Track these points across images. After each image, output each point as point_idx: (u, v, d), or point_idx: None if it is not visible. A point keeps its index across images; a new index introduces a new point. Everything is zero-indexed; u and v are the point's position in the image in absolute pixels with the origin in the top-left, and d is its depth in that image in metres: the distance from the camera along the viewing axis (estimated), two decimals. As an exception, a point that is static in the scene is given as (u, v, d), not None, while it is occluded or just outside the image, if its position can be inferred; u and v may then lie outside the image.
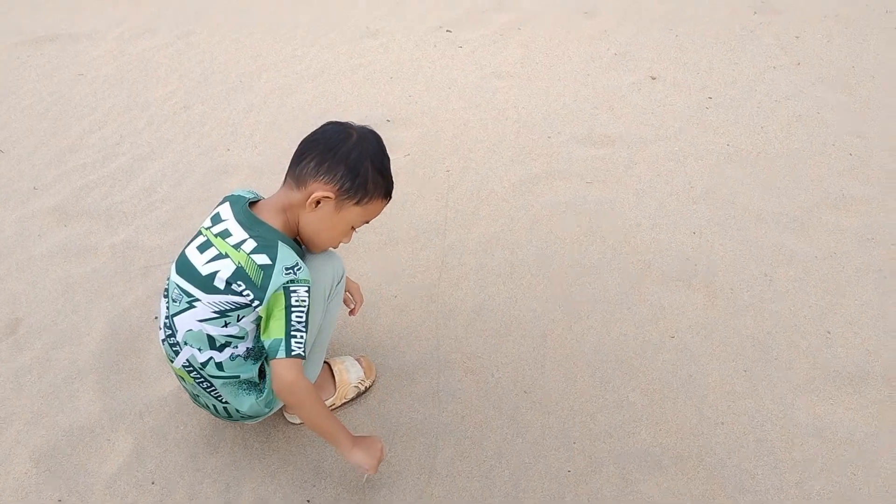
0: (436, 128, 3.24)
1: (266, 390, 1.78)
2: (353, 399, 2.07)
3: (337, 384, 2.03)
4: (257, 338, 1.72)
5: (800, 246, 2.60)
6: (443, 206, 2.79)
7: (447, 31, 4.03)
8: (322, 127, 1.76)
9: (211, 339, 1.67)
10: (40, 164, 2.98)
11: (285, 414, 2.00)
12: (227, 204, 1.74)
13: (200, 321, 1.66)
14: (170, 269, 1.75)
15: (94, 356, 2.18)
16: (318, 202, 1.66)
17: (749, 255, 2.56)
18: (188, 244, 1.73)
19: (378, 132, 1.78)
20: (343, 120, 1.79)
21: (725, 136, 3.18)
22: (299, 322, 1.62)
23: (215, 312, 1.65)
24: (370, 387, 2.11)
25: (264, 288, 1.60)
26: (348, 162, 1.66)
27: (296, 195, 1.69)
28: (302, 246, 1.79)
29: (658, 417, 2.04)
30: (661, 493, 1.86)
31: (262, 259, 1.61)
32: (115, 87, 3.51)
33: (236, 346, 1.70)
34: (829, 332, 2.29)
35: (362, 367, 2.09)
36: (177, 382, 2.09)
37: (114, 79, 3.58)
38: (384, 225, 2.66)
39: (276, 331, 1.61)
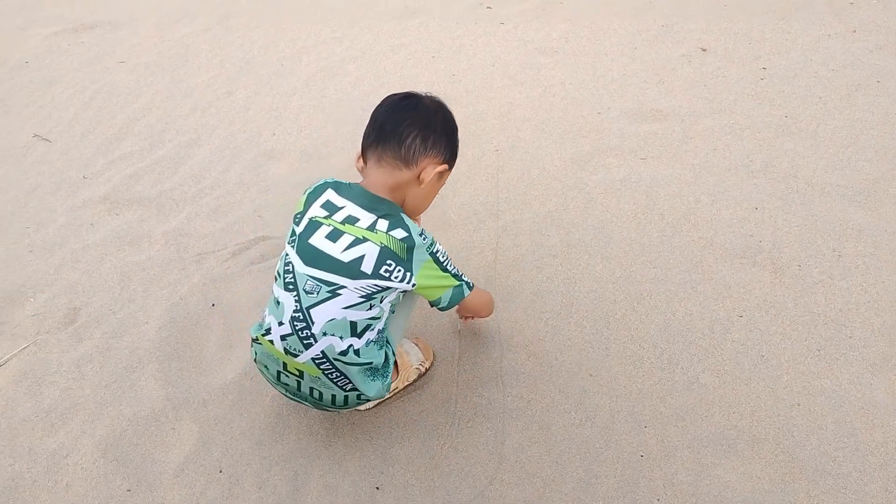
0: (481, 107, 3.18)
1: (388, 375, 1.80)
2: (414, 381, 2.04)
3: (399, 367, 2.00)
4: (387, 320, 1.77)
5: (867, 220, 2.51)
6: (493, 187, 2.74)
7: (487, 7, 3.95)
8: (401, 102, 1.76)
9: (353, 325, 1.66)
10: (88, 152, 2.98)
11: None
12: (330, 191, 1.73)
13: (345, 308, 1.64)
14: (289, 264, 1.69)
15: (153, 344, 2.17)
16: (424, 179, 1.73)
17: (815, 230, 2.47)
18: (310, 235, 1.68)
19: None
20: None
21: (782, 107, 3.08)
22: (454, 268, 1.76)
23: (362, 297, 1.64)
24: (429, 368, 2.08)
25: (411, 260, 1.64)
26: (447, 134, 1.76)
27: (405, 174, 1.71)
28: None
29: (731, 399, 1.98)
30: (739, 478, 1.80)
31: (400, 233, 1.64)
32: (157, 73, 3.50)
33: (372, 329, 1.71)
34: (904, 309, 2.20)
35: (420, 349, 2.07)
36: (238, 371, 2.08)
37: (155, 65, 3.56)
38: (436, 207, 2.62)
39: (448, 282, 1.74)
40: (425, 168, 1.71)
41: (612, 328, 2.19)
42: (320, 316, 1.64)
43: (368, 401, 1.83)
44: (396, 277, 1.64)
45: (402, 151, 1.69)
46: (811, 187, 2.65)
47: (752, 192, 2.64)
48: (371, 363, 1.72)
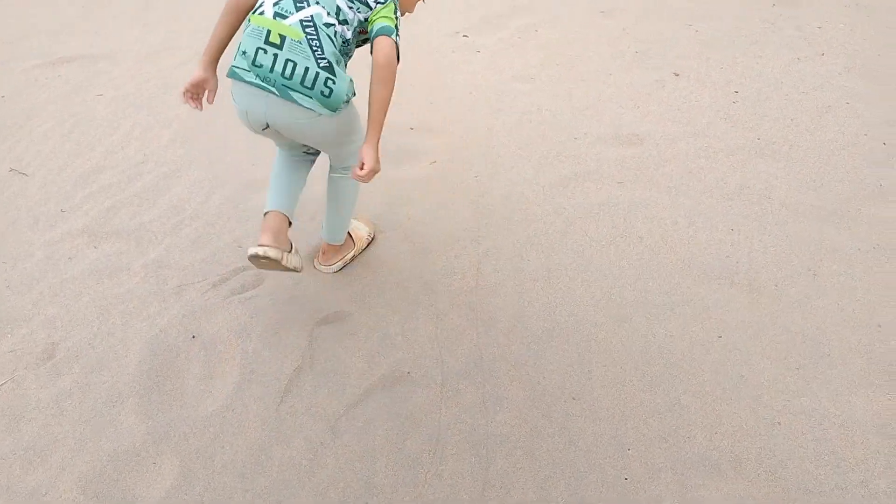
0: (461, 134, 3.21)
1: (350, 91, 2.04)
2: (364, 249, 2.60)
3: (354, 240, 2.56)
4: (347, 52, 2.05)
5: (841, 239, 2.55)
6: (474, 213, 2.75)
7: (464, 36, 4.00)
8: None
9: (339, 9, 1.97)
10: (66, 186, 2.96)
11: (316, 264, 2.52)
12: None
13: None
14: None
15: (133, 378, 2.15)
16: None
17: (790, 251, 2.51)
18: None
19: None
20: None
21: (755, 130, 3.13)
22: (399, 28, 2.01)
23: None
24: (374, 237, 2.65)
25: None
26: None
27: None
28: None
29: (712, 420, 1.99)
30: (723, 498, 1.81)
31: None
32: (136, 106, 3.50)
33: (348, 29, 1.99)
34: (879, 326, 2.23)
35: (364, 224, 2.63)
36: (219, 404, 2.06)
37: (134, 98, 3.56)
38: (417, 234, 2.63)
39: (388, 20, 1.98)
40: None
41: (593, 352, 2.20)
42: None
43: (331, 94, 1.97)
44: None
45: None
46: (785, 208, 2.69)
47: (727, 214, 2.68)
48: (346, 57, 2.04)
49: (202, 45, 4.00)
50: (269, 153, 3.12)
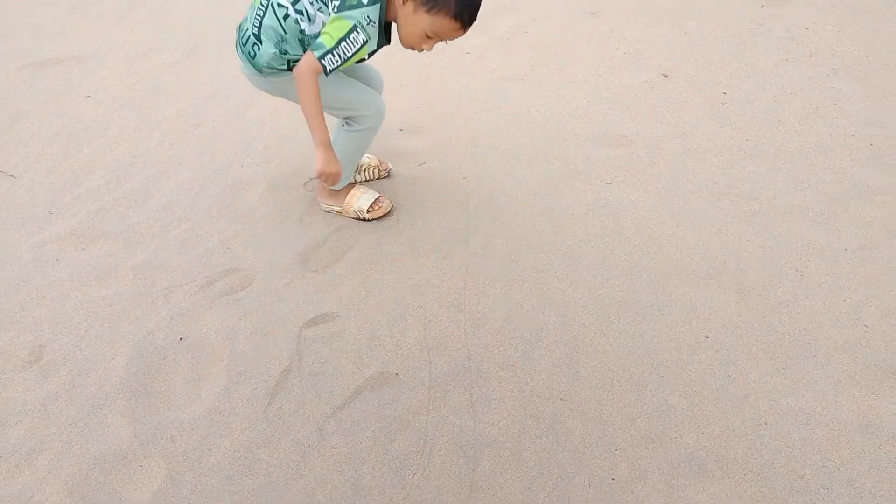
0: (449, 135, 3.21)
1: (282, 66, 2.34)
2: (351, 217, 2.74)
3: (344, 203, 2.71)
4: (304, 42, 2.28)
5: (828, 239, 2.56)
6: (463, 214, 2.76)
7: (454, 37, 4.00)
8: None
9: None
10: (54, 188, 2.95)
11: (321, 204, 2.74)
12: None
13: None
14: None
15: (121, 381, 2.15)
16: (404, 1, 2.15)
17: (778, 251, 2.52)
18: None
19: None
20: None
21: (743, 131, 3.15)
22: (344, 52, 2.14)
23: None
24: (369, 220, 2.71)
25: (342, 7, 2.15)
26: None
27: None
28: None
29: (700, 420, 1.99)
30: (709, 499, 1.81)
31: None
32: (124, 107, 3.49)
33: (300, 21, 2.23)
34: (866, 326, 2.25)
35: (373, 206, 2.69)
36: (206, 406, 2.06)
37: (122, 99, 3.55)
38: (404, 235, 2.63)
39: (328, 41, 2.12)
40: None
41: (581, 352, 2.21)
42: None
43: (254, 56, 2.34)
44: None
45: None
46: (773, 208, 2.70)
47: (715, 215, 2.69)
48: (283, 37, 2.25)
49: (189, 46, 4.00)
50: (258, 154, 3.12)
